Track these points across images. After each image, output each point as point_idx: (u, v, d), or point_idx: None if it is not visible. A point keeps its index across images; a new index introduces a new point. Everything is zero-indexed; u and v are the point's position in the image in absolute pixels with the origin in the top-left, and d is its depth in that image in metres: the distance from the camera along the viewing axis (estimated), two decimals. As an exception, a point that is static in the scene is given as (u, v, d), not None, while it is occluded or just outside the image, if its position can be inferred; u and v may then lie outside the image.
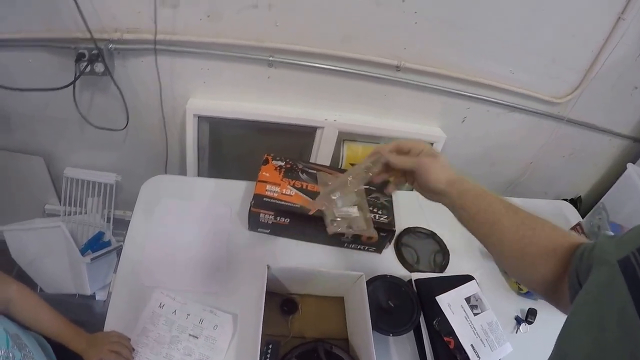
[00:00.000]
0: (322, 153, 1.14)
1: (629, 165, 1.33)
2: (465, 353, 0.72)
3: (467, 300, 0.81)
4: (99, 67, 0.97)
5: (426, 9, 0.96)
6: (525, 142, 1.43)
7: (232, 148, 1.24)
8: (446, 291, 0.80)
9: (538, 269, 0.44)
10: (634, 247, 0.30)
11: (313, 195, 0.84)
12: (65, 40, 0.95)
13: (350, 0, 0.93)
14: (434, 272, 0.89)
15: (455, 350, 0.72)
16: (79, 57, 0.96)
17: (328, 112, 1.12)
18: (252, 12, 0.91)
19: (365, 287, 0.72)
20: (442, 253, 0.94)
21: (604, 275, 0.31)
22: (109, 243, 1.37)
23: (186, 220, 0.87)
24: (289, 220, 0.84)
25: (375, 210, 0.87)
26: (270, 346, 0.70)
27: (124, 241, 0.84)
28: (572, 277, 0.40)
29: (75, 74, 0.97)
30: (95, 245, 1.34)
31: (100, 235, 1.37)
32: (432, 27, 1.01)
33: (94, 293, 1.31)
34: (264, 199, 0.83)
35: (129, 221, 0.88)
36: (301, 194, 0.85)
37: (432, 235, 0.97)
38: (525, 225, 0.46)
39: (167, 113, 1.16)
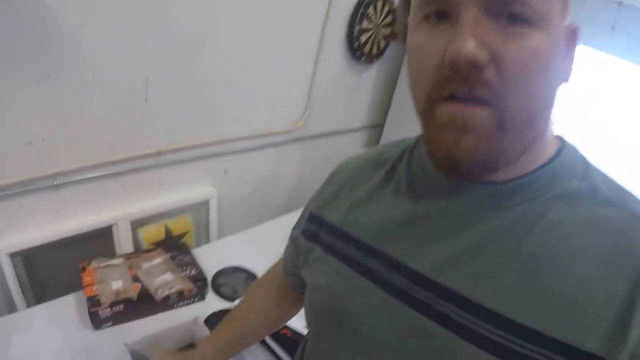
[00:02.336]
0: (125, 243, 1.81)
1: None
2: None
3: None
4: None
5: (166, 99, 1.81)
6: (287, 168, 2.40)
7: (48, 271, 1.79)
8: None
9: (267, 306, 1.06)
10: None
11: (132, 279, 1.53)
12: None
13: (108, 115, 1.66)
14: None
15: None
16: None
17: (116, 209, 1.81)
18: (29, 148, 1.54)
19: (206, 326, 1.44)
20: (253, 277, 1.73)
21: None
22: None
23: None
24: (122, 307, 1.51)
25: (184, 268, 1.61)
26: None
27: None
28: (294, 275, 0.92)
29: None
30: None
31: None
32: (176, 111, 1.84)
33: None
34: (96, 297, 1.48)
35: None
36: (121, 282, 1.53)
37: (239, 269, 1.75)
38: (243, 311, 1.11)
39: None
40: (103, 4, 1.50)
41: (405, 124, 2.83)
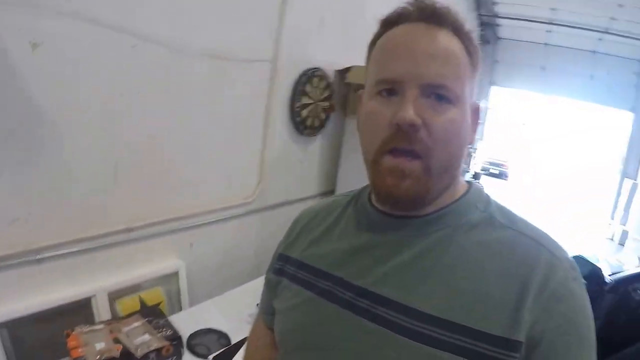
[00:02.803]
0: (104, 314, 2.12)
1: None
2: None
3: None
4: None
5: (134, 180, 2.21)
6: (247, 237, 2.80)
7: (34, 341, 2.05)
8: None
9: None
10: None
11: (114, 341, 1.84)
12: None
13: (82, 195, 2.04)
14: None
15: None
16: None
17: (94, 282, 2.14)
18: (14, 224, 1.87)
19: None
20: (224, 337, 2.05)
21: None
22: None
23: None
24: None
25: (160, 330, 1.93)
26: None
27: None
28: None
29: None
30: None
31: None
32: (143, 191, 2.25)
33: None
34: (82, 358, 1.78)
35: None
36: (104, 343, 1.84)
37: (211, 330, 2.08)
38: None
39: None
40: (80, 101, 1.92)
41: (351, 188, 3.28)
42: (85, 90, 1.93)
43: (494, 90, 14.64)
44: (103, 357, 1.80)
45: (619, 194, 12.90)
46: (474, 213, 0.88)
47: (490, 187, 17.23)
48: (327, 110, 3.44)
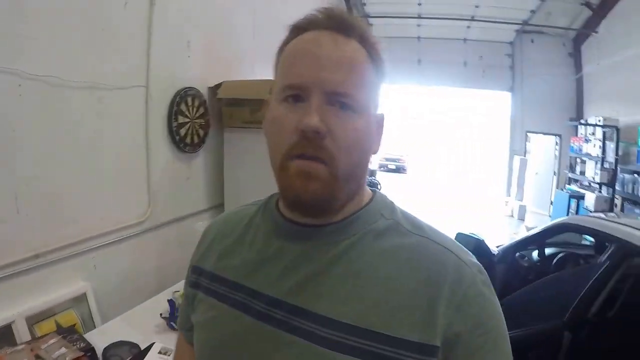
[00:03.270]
0: (25, 338, 2.45)
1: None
2: None
3: None
4: None
5: (35, 209, 2.51)
6: (147, 255, 3.28)
7: None
8: None
9: None
10: None
11: (35, 357, 2.20)
12: None
13: None
14: None
15: None
16: None
17: (12, 308, 2.48)
18: None
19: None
20: (135, 347, 2.45)
21: None
22: None
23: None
24: None
25: (74, 343, 2.32)
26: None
27: None
28: None
29: None
30: None
31: None
32: (46, 219, 2.59)
33: None
34: None
35: None
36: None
37: (124, 342, 2.48)
38: None
39: None
40: None
41: (240, 199, 3.75)
42: None
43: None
44: None
45: (510, 171, 14.31)
46: (379, 220, 0.97)
47: (389, 182, 18.67)
48: (204, 127, 3.97)
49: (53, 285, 2.75)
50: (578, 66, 12.59)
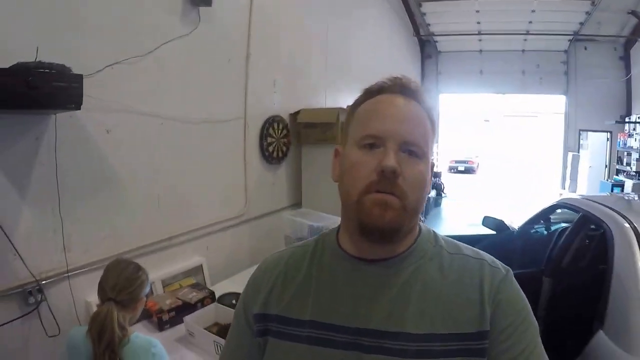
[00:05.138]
0: (160, 292, 3.46)
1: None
2: None
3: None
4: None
5: (168, 205, 3.56)
6: (243, 240, 4.35)
7: None
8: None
9: None
10: None
11: (176, 298, 3.20)
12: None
13: (133, 213, 3.38)
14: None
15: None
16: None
17: (152, 273, 3.46)
18: (107, 238, 3.22)
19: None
20: (239, 295, 3.40)
21: None
22: None
23: None
24: (174, 312, 3.15)
25: (201, 290, 3.28)
26: None
27: None
28: None
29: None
30: None
31: None
32: (174, 213, 3.62)
33: None
34: (159, 307, 3.12)
35: None
36: (169, 300, 3.19)
37: (231, 293, 3.42)
38: None
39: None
40: (135, 162, 3.29)
41: (314, 200, 4.85)
42: (136, 155, 3.29)
43: (442, 97, 16.29)
44: (172, 306, 3.10)
45: (564, 166, 14.95)
46: (429, 247, 1.11)
47: (457, 182, 19.94)
48: (287, 144, 4.98)
49: (179, 259, 3.74)
50: (628, 68, 13.01)
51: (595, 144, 14.24)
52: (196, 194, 3.86)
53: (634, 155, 11.09)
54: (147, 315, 2.98)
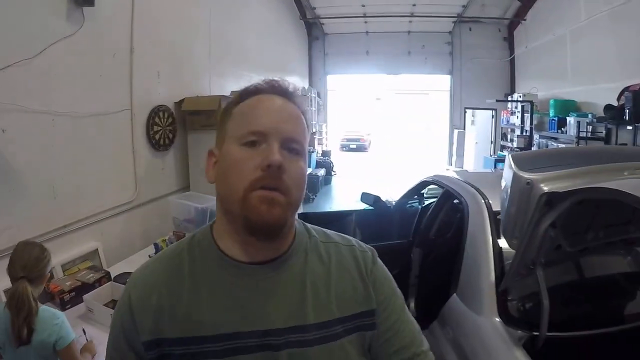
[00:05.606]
0: (61, 275, 3.73)
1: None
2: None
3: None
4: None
5: (65, 193, 3.80)
6: (136, 223, 4.67)
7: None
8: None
9: None
10: None
11: (76, 280, 3.50)
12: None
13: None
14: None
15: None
16: None
17: (55, 258, 3.71)
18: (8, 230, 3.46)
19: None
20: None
21: None
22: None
23: None
24: (75, 293, 3.45)
25: (98, 272, 3.60)
26: None
27: None
28: None
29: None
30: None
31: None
32: (70, 199, 3.90)
33: None
34: (59, 290, 3.41)
35: None
36: (69, 282, 3.49)
37: (125, 273, 3.74)
38: None
39: None
40: (32, 154, 3.52)
41: (200, 184, 5.32)
42: (31, 151, 3.52)
43: (330, 78, 16.80)
44: (72, 287, 3.38)
45: (451, 142, 15.98)
46: (306, 241, 1.19)
47: (349, 160, 20.69)
48: (173, 131, 5.34)
49: (76, 244, 4.03)
50: (512, 49, 13.92)
51: (482, 121, 15.13)
52: (89, 183, 4.13)
53: (517, 132, 11.81)
54: (50, 297, 3.24)
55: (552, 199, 2.04)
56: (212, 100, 5.44)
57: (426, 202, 4.99)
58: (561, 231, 2.22)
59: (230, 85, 7.02)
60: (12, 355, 2.30)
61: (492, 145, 14.39)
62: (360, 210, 5.40)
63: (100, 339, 2.83)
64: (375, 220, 4.97)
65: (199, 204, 4.50)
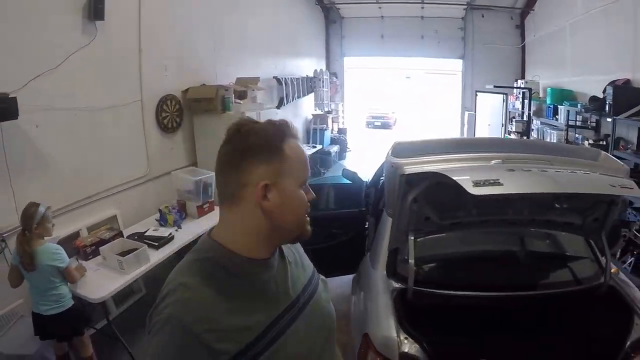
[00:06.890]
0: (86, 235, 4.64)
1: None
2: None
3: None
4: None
5: (84, 173, 4.78)
6: (150, 195, 5.72)
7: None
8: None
9: None
10: None
11: (97, 237, 4.39)
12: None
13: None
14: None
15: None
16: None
17: (82, 222, 4.67)
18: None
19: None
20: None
21: None
22: None
23: None
24: (96, 246, 4.34)
25: (114, 232, 4.48)
26: None
27: None
28: None
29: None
30: None
31: None
32: (92, 176, 4.80)
33: None
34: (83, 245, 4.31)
35: None
36: (90, 239, 4.38)
37: (138, 233, 4.62)
38: None
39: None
40: (59, 145, 4.42)
41: (207, 159, 6.22)
42: (60, 140, 4.42)
43: (346, 60, 17.25)
44: (93, 242, 4.27)
45: (462, 124, 16.28)
46: None
47: (373, 137, 20.89)
48: (180, 116, 6.25)
49: (99, 211, 4.98)
50: (523, 36, 14.18)
51: (495, 105, 15.29)
52: (108, 162, 5.07)
53: (517, 117, 12.38)
54: (76, 251, 4.18)
55: (410, 179, 2.62)
56: (209, 90, 6.45)
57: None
58: (428, 205, 2.83)
59: (236, 71, 7.70)
60: (29, 276, 3.49)
61: (503, 127, 14.72)
62: (337, 183, 6.16)
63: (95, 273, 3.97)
64: (355, 193, 5.50)
65: (195, 177, 5.39)
